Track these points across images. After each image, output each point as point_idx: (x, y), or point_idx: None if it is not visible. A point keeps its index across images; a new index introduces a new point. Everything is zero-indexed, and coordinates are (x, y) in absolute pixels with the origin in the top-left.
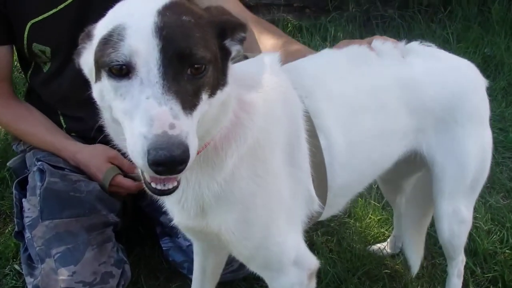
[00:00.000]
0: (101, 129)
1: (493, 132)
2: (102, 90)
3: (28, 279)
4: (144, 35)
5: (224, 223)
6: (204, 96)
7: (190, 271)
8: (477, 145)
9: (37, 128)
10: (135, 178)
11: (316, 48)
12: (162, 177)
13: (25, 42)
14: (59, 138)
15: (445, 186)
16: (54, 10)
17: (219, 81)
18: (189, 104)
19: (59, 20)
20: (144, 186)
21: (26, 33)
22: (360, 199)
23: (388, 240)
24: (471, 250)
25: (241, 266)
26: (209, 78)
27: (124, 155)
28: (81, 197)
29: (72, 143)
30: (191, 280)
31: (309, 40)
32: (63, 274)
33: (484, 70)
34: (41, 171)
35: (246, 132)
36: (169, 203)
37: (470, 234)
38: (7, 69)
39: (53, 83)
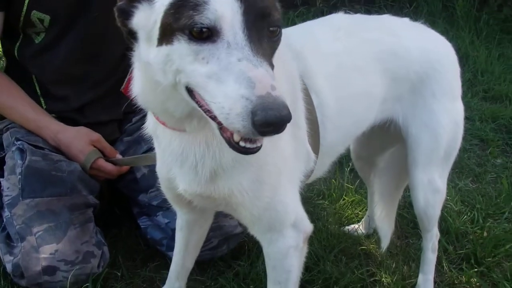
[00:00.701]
0: (82, 110)
1: None
2: (172, 54)
3: (7, 258)
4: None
5: (238, 184)
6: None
7: (169, 247)
8: (450, 118)
9: (19, 102)
10: (115, 162)
11: None
12: (262, 137)
13: (24, 9)
14: (42, 115)
15: (420, 156)
16: None
17: None
18: (272, 66)
19: None
20: (229, 146)
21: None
22: (334, 181)
23: (362, 220)
24: (443, 229)
25: (220, 243)
26: (280, 41)
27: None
28: (62, 176)
29: (54, 121)
30: (169, 258)
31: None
32: (45, 252)
33: None
34: (21, 150)
35: None
36: (181, 171)
37: (442, 214)
38: None
39: (46, 55)
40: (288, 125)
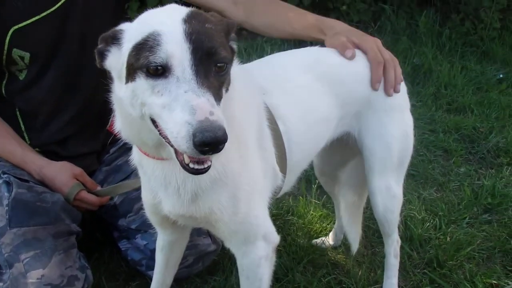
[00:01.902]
0: (64, 143)
1: (425, 134)
2: (136, 89)
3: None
4: (178, 40)
5: (217, 203)
6: (224, 92)
7: (148, 267)
8: (400, 129)
9: (5, 138)
10: (96, 194)
11: None
12: (203, 157)
13: (5, 48)
14: (27, 151)
15: (375, 165)
16: (37, 17)
17: (229, 79)
18: (217, 96)
19: (42, 26)
20: (182, 168)
21: (7, 38)
22: (301, 198)
23: (330, 233)
24: (407, 237)
25: (195, 261)
26: (228, 75)
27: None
28: (46, 207)
29: (39, 157)
30: (149, 278)
31: (247, 60)
32: (32, 277)
33: (414, 78)
34: (8, 183)
35: (232, 123)
36: (166, 195)
37: (406, 223)
38: None
39: (30, 90)
40: (257, 148)
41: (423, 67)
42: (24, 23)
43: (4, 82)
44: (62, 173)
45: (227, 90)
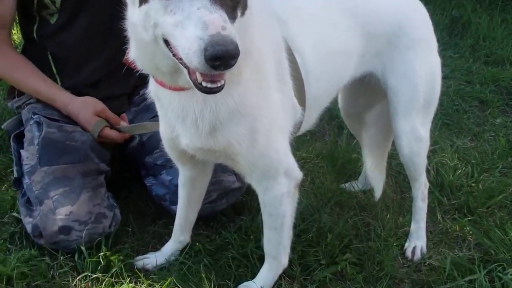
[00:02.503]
0: (96, 85)
1: (461, 85)
2: (149, 10)
3: (27, 220)
4: None
5: (235, 135)
6: (239, 13)
7: (172, 202)
8: (426, 68)
9: (32, 77)
10: (119, 130)
11: None
12: (215, 72)
13: None
14: (53, 88)
15: (400, 105)
16: None
17: (247, 3)
18: (231, 15)
19: None
20: (195, 87)
21: None
22: (331, 142)
23: (359, 177)
24: (438, 183)
25: (219, 197)
26: None
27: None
28: (76, 145)
29: (65, 94)
30: (173, 213)
31: None
32: (61, 213)
33: (452, 30)
34: (38, 124)
35: (251, 54)
36: (184, 128)
37: (437, 170)
38: (10, 16)
39: (62, 34)
40: (275, 81)
41: (462, 19)
42: None
43: (35, 26)
44: (84, 110)
45: (242, 13)
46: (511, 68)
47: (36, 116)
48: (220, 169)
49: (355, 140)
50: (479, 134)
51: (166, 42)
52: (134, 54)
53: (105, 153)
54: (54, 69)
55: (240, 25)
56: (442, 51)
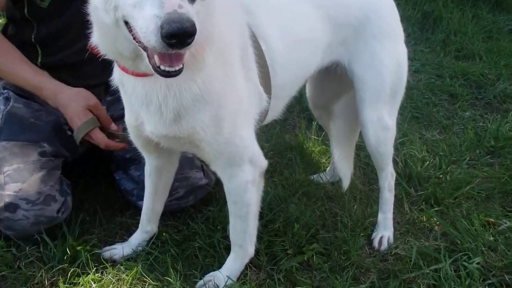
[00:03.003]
0: (75, 69)
1: (431, 78)
2: None
3: None
4: None
5: (199, 122)
6: None
7: (139, 197)
8: (392, 58)
9: (19, 65)
10: (111, 134)
11: None
12: (172, 51)
13: None
14: (42, 77)
15: (366, 95)
16: None
17: None
18: None
19: None
20: (153, 71)
21: None
22: (300, 134)
23: (327, 169)
24: (406, 175)
25: (186, 194)
26: None
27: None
28: (39, 124)
29: (54, 82)
30: (140, 208)
31: None
32: (10, 189)
33: (423, 24)
34: (7, 98)
35: (213, 37)
36: (148, 115)
37: (405, 162)
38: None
39: (55, 18)
40: (240, 67)
41: (433, 14)
42: None
43: (26, 9)
44: (75, 102)
45: None
46: (481, 63)
47: (5, 91)
48: (187, 166)
49: (324, 132)
50: (448, 127)
51: (127, 24)
52: (97, 38)
53: (68, 139)
54: (38, 48)
55: (202, 8)
56: (414, 46)
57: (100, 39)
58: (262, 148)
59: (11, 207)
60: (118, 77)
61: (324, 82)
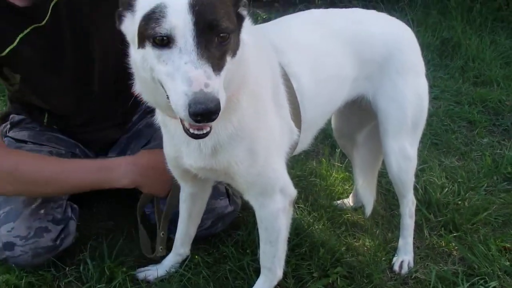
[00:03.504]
0: (85, 125)
1: (450, 105)
2: (145, 55)
3: None
4: (181, 12)
5: (234, 157)
6: (228, 58)
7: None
8: (413, 92)
9: (62, 164)
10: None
11: None
12: (199, 125)
13: None
14: (94, 160)
15: (389, 127)
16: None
17: (238, 44)
18: (218, 66)
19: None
20: (184, 132)
21: None
22: (324, 160)
23: (350, 195)
24: (425, 201)
25: (213, 223)
26: (232, 44)
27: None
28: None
29: (114, 158)
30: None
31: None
32: (4, 230)
33: (442, 51)
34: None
35: (248, 82)
36: (188, 150)
37: (425, 188)
38: None
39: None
40: (272, 105)
41: (452, 41)
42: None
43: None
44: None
45: (233, 55)
46: (499, 89)
47: (5, 139)
48: (212, 196)
49: (347, 159)
50: (466, 153)
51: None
52: (138, 88)
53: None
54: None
55: (233, 63)
56: (433, 72)
57: (140, 89)
58: (289, 174)
59: (8, 246)
60: (161, 119)
61: (349, 113)
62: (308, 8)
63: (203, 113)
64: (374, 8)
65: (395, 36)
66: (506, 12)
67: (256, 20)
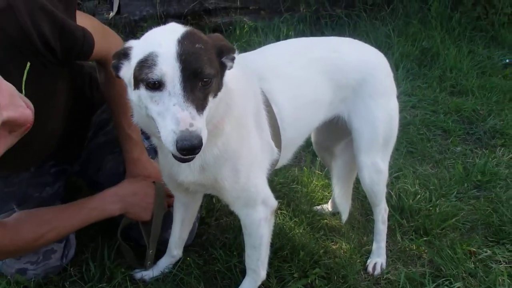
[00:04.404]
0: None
1: (427, 114)
2: (140, 96)
3: None
4: (170, 61)
5: (220, 174)
6: (211, 98)
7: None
8: (384, 113)
9: (60, 213)
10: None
11: None
12: (184, 157)
13: None
14: (84, 201)
15: (362, 144)
16: None
17: (219, 86)
18: (201, 107)
19: None
20: (173, 157)
21: None
22: (305, 169)
23: (329, 201)
24: (399, 207)
25: None
26: (214, 86)
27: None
28: (13, 190)
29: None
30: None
31: (264, 39)
32: (14, 258)
33: (422, 61)
34: None
35: (232, 110)
36: (180, 168)
37: (399, 195)
38: None
39: None
40: (255, 128)
41: (431, 50)
42: None
43: None
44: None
45: (215, 96)
46: (474, 99)
47: None
48: None
49: (326, 169)
50: (440, 161)
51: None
52: (136, 119)
53: (47, 178)
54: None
55: (216, 99)
56: (412, 81)
57: (137, 121)
58: (271, 181)
59: (21, 271)
60: (156, 143)
61: (326, 129)
62: (293, 16)
63: (188, 148)
64: (357, 17)
65: (368, 63)
66: (485, 22)
67: (243, 28)
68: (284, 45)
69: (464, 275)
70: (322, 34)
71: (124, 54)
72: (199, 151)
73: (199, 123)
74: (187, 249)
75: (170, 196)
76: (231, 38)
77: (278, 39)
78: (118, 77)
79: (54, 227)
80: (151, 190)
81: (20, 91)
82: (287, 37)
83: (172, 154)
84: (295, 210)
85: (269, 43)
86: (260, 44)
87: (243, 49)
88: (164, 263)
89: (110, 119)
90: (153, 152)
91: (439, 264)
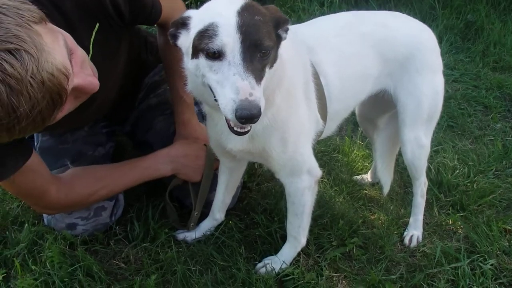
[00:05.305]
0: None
1: (468, 89)
2: (199, 64)
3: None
4: (231, 32)
5: (268, 143)
6: (267, 69)
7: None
8: (430, 88)
9: (113, 171)
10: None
11: (314, 12)
12: (242, 125)
13: None
14: (138, 160)
15: (407, 118)
16: None
17: (275, 58)
18: (259, 77)
19: None
20: (229, 128)
21: None
22: (347, 138)
23: (369, 171)
24: (437, 182)
25: None
26: (271, 58)
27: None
28: (68, 147)
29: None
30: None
31: (308, 5)
32: (64, 213)
33: (465, 34)
34: (36, 135)
35: (283, 81)
36: (229, 135)
37: (438, 169)
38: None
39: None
40: (303, 99)
41: (476, 24)
42: None
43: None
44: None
45: (271, 67)
46: None
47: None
48: None
49: (367, 139)
50: (480, 137)
51: (210, 88)
52: (190, 87)
53: (100, 138)
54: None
55: (272, 70)
56: (454, 55)
57: (192, 89)
58: (313, 150)
59: (71, 226)
60: (207, 110)
61: (371, 103)
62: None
63: (248, 117)
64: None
65: (416, 38)
66: None
67: None
68: (333, 19)
69: (498, 252)
70: (367, 2)
71: (182, 24)
72: (257, 120)
73: (258, 93)
74: (229, 212)
75: (216, 160)
76: (275, 3)
77: (322, 6)
78: (175, 45)
79: (107, 184)
80: (202, 152)
81: (88, 51)
82: (331, 4)
83: (228, 126)
84: (335, 179)
85: (313, 9)
86: (303, 10)
87: (287, 15)
88: (207, 225)
89: (161, 81)
90: (201, 117)
91: (474, 240)
